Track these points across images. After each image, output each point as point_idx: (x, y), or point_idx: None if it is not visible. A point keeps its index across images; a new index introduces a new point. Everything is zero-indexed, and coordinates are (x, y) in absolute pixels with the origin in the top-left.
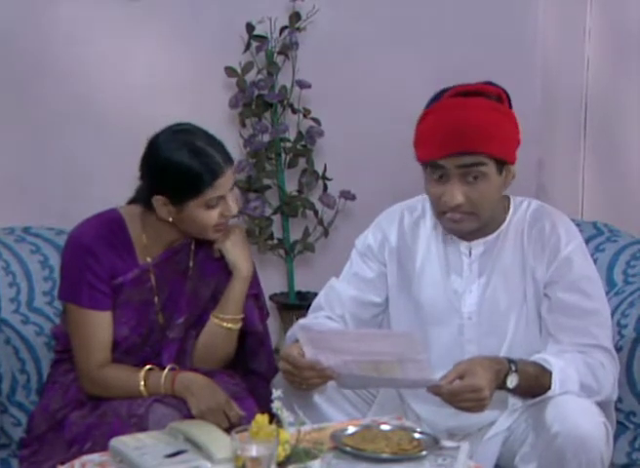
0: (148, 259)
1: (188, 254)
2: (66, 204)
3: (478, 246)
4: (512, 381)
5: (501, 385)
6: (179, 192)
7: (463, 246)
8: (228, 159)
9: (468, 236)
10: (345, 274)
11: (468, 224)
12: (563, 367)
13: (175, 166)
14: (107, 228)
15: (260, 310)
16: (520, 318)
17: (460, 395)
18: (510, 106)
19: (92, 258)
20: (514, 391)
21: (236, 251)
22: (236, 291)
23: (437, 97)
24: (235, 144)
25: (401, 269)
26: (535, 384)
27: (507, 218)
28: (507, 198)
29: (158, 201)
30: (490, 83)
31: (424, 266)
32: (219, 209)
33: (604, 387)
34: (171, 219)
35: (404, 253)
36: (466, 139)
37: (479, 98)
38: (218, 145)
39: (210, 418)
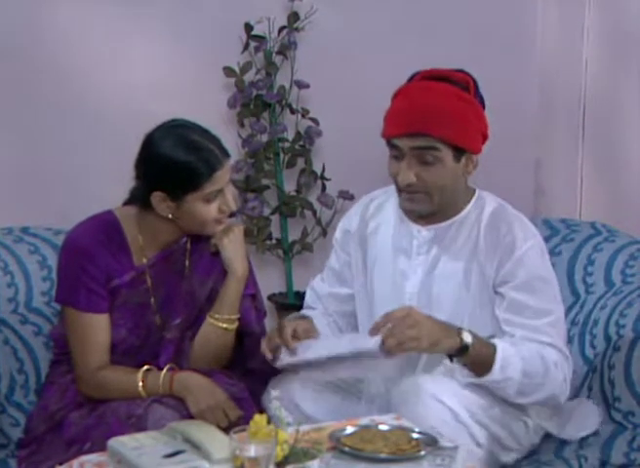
0: (144, 261)
1: (184, 254)
2: (65, 204)
3: (429, 230)
4: (467, 337)
5: (459, 344)
6: (177, 187)
7: (415, 229)
8: (225, 152)
9: (421, 220)
10: (324, 270)
11: (422, 205)
12: (509, 354)
13: (173, 161)
14: (103, 230)
15: (256, 310)
16: (462, 309)
17: (393, 315)
18: (477, 96)
19: (88, 261)
20: (465, 358)
21: (233, 249)
22: (231, 291)
23: (410, 80)
24: (233, 144)
25: (364, 254)
26: (484, 355)
27: (466, 210)
28: (473, 191)
29: (156, 197)
30: (461, 71)
31: (381, 248)
32: (217, 203)
33: (550, 382)
34: (170, 216)
35: (366, 239)
36: (420, 121)
37: (443, 84)
38: (214, 139)
39: (209, 417)
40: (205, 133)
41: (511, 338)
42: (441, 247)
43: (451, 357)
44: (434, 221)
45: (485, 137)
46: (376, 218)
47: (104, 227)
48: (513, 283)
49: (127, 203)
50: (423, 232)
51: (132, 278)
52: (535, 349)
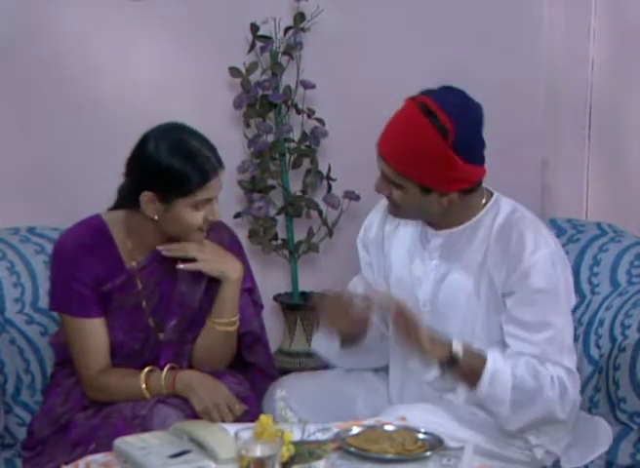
0: (134, 264)
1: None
2: (71, 204)
3: (440, 235)
4: (457, 347)
5: (449, 353)
6: (169, 190)
7: (429, 233)
8: (220, 162)
9: (435, 224)
10: None
11: (399, 215)
12: (499, 368)
13: (167, 165)
14: (90, 236)
15: (254, 304)
16: (473, 317)
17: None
18: (456, 145)
19: (76, 267)
20: (454, 364)
21: (214, 263)
22: (229, 294)
23: (414, 96)
24: (239, 145)
25: (383, 255)
26: (474, 368)
27: (479, 215)
28: (490, 194)
29: (145, 197)
30: (450, 92)
31: (398, 250)
32: (204, 211)
33: (543, 398)
34: (156, 217)
35: (385, 239)
36: (385, 149)
37: (426, 120)
38: (211, 147)
39: (214, 414)
40: (203, 140)
41: (509, 351)
42: (453, 252)
43: (442, 368)
44: (446, 226)
45: (465, 184)
46: (395, 219)
47: (91, 232)
48: (516, 295)
49: (115, 205)
50: (434, 238)
51: (123, 281)
52: (530, 364)
